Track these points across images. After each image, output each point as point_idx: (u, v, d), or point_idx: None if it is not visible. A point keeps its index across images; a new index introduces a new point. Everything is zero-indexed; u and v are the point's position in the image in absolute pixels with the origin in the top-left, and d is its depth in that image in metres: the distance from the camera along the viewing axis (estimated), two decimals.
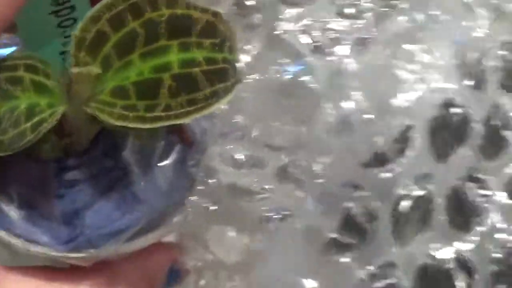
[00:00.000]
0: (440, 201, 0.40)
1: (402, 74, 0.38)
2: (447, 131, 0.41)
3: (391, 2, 0.38)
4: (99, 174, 0.32)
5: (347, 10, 0.38)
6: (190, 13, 0.29)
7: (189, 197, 0.33)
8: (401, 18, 0.37)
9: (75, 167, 0.32)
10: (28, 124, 0.28)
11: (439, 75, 0.39)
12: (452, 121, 0.41)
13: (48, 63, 0.30)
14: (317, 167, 0.36)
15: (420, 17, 0.38)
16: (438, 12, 0.38)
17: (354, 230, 0.39)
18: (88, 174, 0.32)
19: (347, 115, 0.36)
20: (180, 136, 0.33)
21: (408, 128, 0.39)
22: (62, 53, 0.32)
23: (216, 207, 0.33)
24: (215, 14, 0.29)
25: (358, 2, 0.39)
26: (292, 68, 0.35)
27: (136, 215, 0.32)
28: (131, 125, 0.27)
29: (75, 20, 0.31)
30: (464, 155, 0.41)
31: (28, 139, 0.28)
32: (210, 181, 0.33)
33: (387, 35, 0.37)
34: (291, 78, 0.34)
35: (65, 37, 0.32)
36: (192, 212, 0.32)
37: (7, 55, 0.30)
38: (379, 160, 0.40)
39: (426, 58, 0.39)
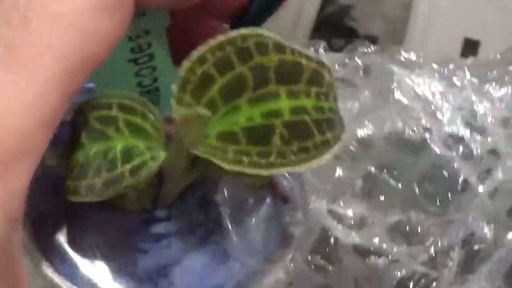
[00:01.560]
0: None
1: None
2: None
3: None
4: (188, 228, 0.30)
5: None
6: (298, 60, 0.27)
7: (285, 256, 0.30)
8: None
9: (163, 219, 0.29)
10: (127, 167, 0.26)
11: None
12: None
13: (145, 103, 0.28)
14: None
15: None
16: None
17: None
18: (177, 227, 0.29)
19: None
20: (274, 192, 0.31)
21: None
22: None
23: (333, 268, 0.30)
24: (320, 63, 0.28)
25: None
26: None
27: (228, 273, 0.29)
28: (246, 170, 0.25)
29: (153, 69, 0.30)
30: None
31: (126, 183, 0.26)
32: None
33: None
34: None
35: (141, 86, 0.30)
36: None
37: (99, 93, 0.28)
38: None
39: None
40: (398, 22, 0.69)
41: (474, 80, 0.36)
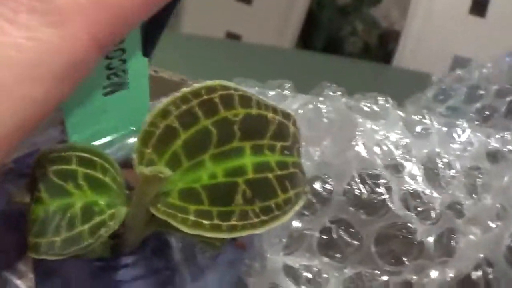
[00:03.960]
0: None
1: None
2: None
3: None
4: (148, 274, 0.29)
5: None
6: (264, 113, 0.27)
7: None
8: None
9: (123, 267, 0.29)
10: (86, 227, 0.25)
11: None
12: None
13: (105, 157, 0.27)
14: None
15: None
16: None
17: None
18: (137, 273, 0.29)
19: None
20: (233, 239, 0.31)
21: None
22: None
23: None
24: (287, 115, 0.27)
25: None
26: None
27: None
28: (207, 234, 0.25)
29: (123, 51, 0.28)
30: None
31: (87, 243, 0.25)
32: None
33: None
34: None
35: (109, 69, 0.28)
36: None
37: (60, 145, 0.27)
38: None
39: None
40: None
41: (442, 129, 0.36)
